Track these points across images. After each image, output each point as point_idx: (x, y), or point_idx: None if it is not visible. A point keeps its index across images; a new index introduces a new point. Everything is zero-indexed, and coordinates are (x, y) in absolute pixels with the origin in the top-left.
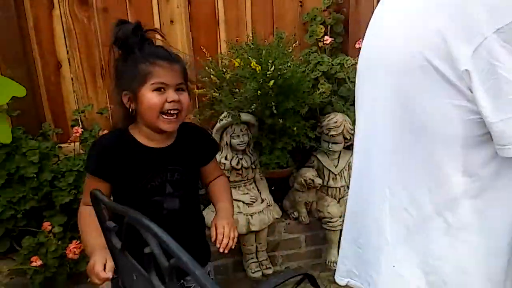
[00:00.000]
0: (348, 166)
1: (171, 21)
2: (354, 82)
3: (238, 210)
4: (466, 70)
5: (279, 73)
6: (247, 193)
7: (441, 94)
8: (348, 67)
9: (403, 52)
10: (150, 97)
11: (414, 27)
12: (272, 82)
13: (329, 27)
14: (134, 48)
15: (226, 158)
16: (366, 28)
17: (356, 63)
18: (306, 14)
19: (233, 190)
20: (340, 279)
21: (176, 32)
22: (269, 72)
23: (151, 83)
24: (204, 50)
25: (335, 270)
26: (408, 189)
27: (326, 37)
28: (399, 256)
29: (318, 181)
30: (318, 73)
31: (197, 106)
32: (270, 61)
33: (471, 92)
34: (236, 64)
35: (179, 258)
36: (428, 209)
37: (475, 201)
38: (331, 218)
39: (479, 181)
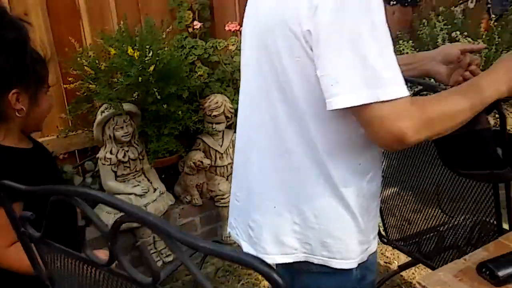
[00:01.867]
0: (232, 143)
1: (25, 14)
2: (227, 64)
3: (131, 203)
4: (308, 30)
5: (157, 58)
6: (137, 185)
7: (295, 52)
8: (221, 49)
9: (267, 14)
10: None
11: None
12: (152, 67)
13: (196, 12)
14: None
15: (111, 152)
16: (231, 11)
17: (227, 45)
18: (172, 1)
19: (122, 184)
20: (228, 231)
21: (32, 25)
22: (147, 58)
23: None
24: (73, 41)
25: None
26: (284, 139)
27: (195, 22)
28: (280, 199)
29: (207, 162)
30: (194, 57)
31: (66, 102)
32: (148, 46)
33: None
34: (113, 51)
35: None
36: (302, 159)
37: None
38: (223, 195)
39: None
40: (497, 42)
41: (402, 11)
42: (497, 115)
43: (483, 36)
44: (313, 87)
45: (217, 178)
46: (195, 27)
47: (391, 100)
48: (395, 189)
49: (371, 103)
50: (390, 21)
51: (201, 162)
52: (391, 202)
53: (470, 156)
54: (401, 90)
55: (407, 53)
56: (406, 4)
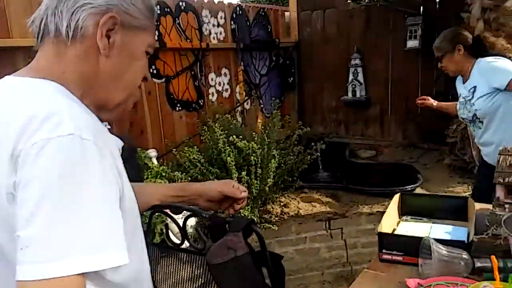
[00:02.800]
0: None
1: None
2: None
3: None
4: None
5: None
6: None
7: None
8: None
9: None
10: None
11: None
12: None
13: None
14: None
15: None
16: None
17: None
18: None
19: None
20: None
21: None
22: None
23: None
24: None
25: None
26: None
27: None
28: None
29: None
30: None
31: None
32: None
33: None
34: None
35: None
36: None
37: None
38: None
39: None
40: (267, 142)
41: (188, 116)
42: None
43: (255, 139)
44: None
45: None
46: None
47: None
48: None
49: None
50: (178, 125)
51: None
52: None
53: (236, 283)
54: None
55: (194, 158)
56: (190, 109)
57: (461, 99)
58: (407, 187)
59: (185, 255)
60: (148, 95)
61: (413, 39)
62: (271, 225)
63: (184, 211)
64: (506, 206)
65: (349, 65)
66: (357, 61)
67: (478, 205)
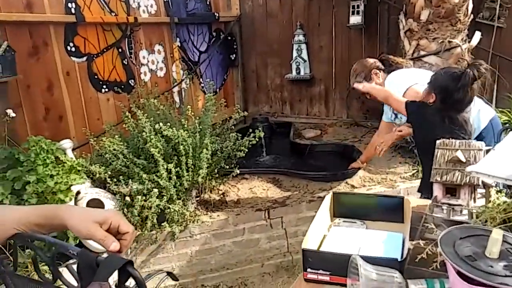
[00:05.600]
0: None
1: None
2: None
3: None
4: None
5: None
6: None
7: None
8: None
9: None
10: None
11: None
12: None
13: None
14: None
15: None
16: None
17: None
18: None
19: None
20: None
21: None
22: None
23: None
24: None
25: None
26: None
27: None
28: None
29: None
30: None
31: None
32: None
33: None
34: None
35: None
36: None
37: None
38: None
39: None
40: (199, 130)
41: (118, 98)
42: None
43: (185, 126)
44: None
45: None
46: None
47: None
48: None
49: None
50: (105, 109)
51: None
52: None
53: None
54: None
55: (115, 149)
56: (119, 91)
57: (395, 120)
58: (349, 170)
59: None
60: (66, 76)
61: (356, 14)
62: (206, 220)
63: None
64: (444, 207)
65: (292, 42)
66: (301, 38)
67: (415, 202)
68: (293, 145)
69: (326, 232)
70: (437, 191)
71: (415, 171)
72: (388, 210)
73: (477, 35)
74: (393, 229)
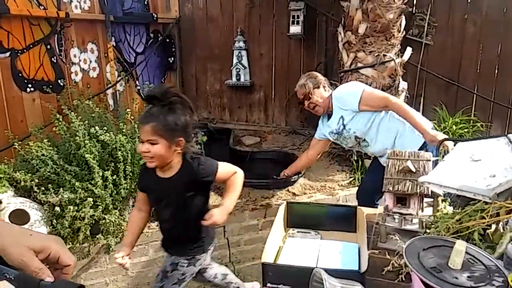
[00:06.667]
0: None
1: None
2: None
3: None
4: None
5: None
6: None
7: None
8: None
9: None
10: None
11: None
12: None
13: None
14: None
15: None
16: None
17: None
18: None
19: None
20: None
21: None
22: None
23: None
24: None
25: None
26: None
27: None
28: None
29: None
30: None
31: None
32: None
33: None
34: None
35: None
36: None
37: None
38: None
39: None
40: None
41: (45, 98)
42: None
43: (123, 130)
44: None
45: None
46: None
47: None
48: None
49: None
50: (30, 110)
51: None
52: None
53: None
54: None
55: (43, 155)
56: (47, 91)
57: (334, 137)
58: (291, 178)
59: None
60: None
61: (295, 24)
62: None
63: None
64: (396, 216)
65: (233, 48)
66: (241, 44)
67: (365, 210)
68: (233, 152)
69: (281, 244)
70: (389, 200)
71: (352, 178)
72: (341, 219)
73: (409, 51)
74: (346, 238)
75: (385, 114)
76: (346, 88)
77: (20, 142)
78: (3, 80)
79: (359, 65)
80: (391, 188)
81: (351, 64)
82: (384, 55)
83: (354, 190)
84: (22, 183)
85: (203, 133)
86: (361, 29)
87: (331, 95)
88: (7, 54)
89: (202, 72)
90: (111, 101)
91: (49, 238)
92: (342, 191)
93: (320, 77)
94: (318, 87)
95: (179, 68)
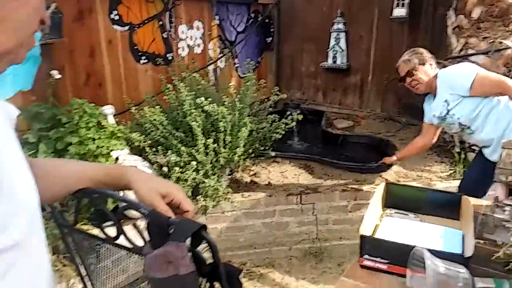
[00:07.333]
0: None
1: None
2: None
3: None
4: None
5: None
6: None
7: None
8: None
9: None
10: None
11: None
12: None
13: None
14: None
15: None
16: None
17: None
18: None
19: None
20: None
21: None
22: None
23: None
24: None
25: None
26: None
27: None
28: None
29: None
30: None
31: None
32: None
33: None
34: None
35: None
36: None
37: None
38: None
39: None
40: (239, 108)
41: (155, 70)
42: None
43: (225, 103)
44: None
45: None
46: None
47: None
48: None
49: None
50: (143, 80)
51: None
52: None
53: None
54: None
55: (155, 120)
56: (157, 63)
57: (437, 121)
58: (384, 164)
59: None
60: (109, 44)
61: (400, 7)
62: (239, 199)
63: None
64: (507, 208)
65: (331, 30)
66: (340, 26)
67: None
68: (325, 133)
69: (378, 222)
70: (500, 191)
71: (452, 171)
72: (443, 205)
73: None
74: (448, 225)
75: (497, 102)
76: (457, 69)
77: (135, 107)
78: (122, 52)
79: (470, 51)
80: (504, 179)
81: (460, 50)
82: (500, 42)
83: (455, 183)
84: (136, 143)
85: (299, 111)
86: (475, 13)
87: (436, 75)
88: (126, 28)
89: (298, 53)
90: (212, 77)
91: (173, 186)
92: (440, 182)
93: (427, 53)
94: (424, 64)
95: (276, 48)
